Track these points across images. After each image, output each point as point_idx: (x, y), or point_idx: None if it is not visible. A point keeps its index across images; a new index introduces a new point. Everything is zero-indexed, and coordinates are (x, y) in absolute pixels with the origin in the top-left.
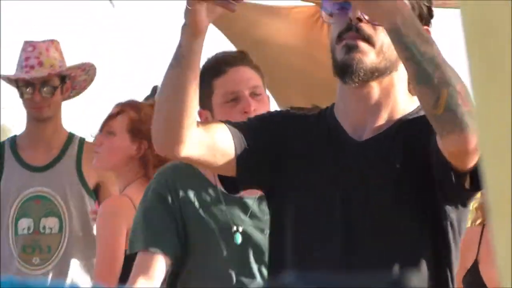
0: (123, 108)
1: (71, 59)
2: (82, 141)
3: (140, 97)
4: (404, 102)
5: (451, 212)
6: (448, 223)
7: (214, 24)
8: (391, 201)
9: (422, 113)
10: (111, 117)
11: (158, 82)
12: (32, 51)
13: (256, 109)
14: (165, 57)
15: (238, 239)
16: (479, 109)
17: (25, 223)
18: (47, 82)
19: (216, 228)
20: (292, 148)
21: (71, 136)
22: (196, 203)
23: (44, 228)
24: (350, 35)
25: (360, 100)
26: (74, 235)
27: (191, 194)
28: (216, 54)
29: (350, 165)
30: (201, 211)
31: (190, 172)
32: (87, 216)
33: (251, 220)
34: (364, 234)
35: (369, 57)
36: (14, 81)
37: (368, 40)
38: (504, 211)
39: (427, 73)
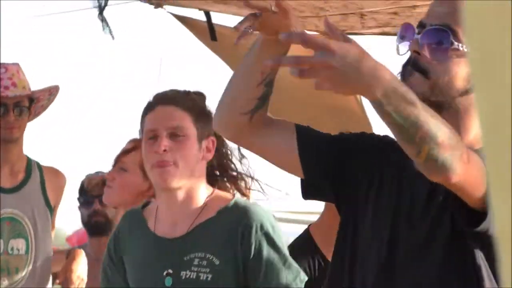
0: (136, 144)
1: (71, 59)
2: (39, 165)
3: (140, 97)
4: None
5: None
6: (475, 253)
7: (213, 51)
8: (431, 234)
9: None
10: (124, 153)
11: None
12: (5, 73)
13: (173, 149)
14: (165, 57)
15: (169, 282)
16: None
17: None
18: (19, 103)
19: (150, 273)
20: (368, 167)
21: (29, 160)
22: (135, 251)
23: (12, 249)
24: (407, 69)
25: None
26: (40, 256)
27: (132, 242)
28: (158, 93)
29: (407, 196)
30: (138, 258)
31: (135, 218)
32: (50, 238)
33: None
34: (403, 263)
35: (421, 87)
36: None
37: (424, 73)
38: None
39: (409, 135)
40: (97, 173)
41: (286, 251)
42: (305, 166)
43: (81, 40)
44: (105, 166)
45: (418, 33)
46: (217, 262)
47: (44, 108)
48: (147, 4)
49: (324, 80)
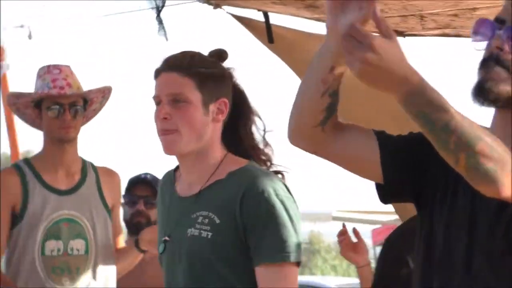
0: None
1: (72, 59)
2: (93, 166)
3: (139, 97)
4: None
5: None
6: None
7: (272, 51)
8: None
9: None
10: None
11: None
12: (59, 73)
13: (173, 115)
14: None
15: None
16: None
17: (53, 245)
18: (74, 103)
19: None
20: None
21: (84, 161)
22: (162, 209)
23: (72, 249)
24: (489, 64)
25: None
26: (100, 256)
27: (162, 202)
28: (165, 57)
29: (483, 200)
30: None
31: (168, 179)
32: (109, 238)
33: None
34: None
35: (504, 82)
36: (33, 103)
37: (508, 68)
38: None
39: (441, 141)
40: (145, 174)
41: (288, 222)
42: (386, 170)
43: (81, 40)
44: (153, 166)
45: (499, 29)
46: (217, 221)
47: (96, 112)
48: (205, 5)
49: (357, 71)
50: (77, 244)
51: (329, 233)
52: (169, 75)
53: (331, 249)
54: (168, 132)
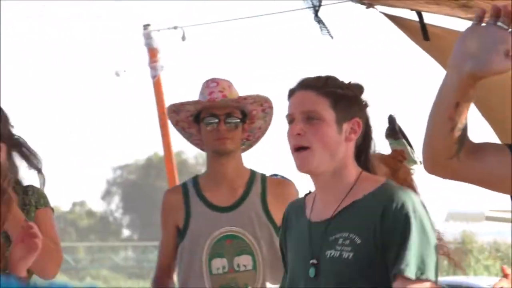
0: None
1: (225, 61)
2: (264, 178)
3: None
4: None
5: None
6: None
7: (425, 50)
8: None
9: None
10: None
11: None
12: (215, 87)
13: (306, 131)
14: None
15: (313, 273)
16: None
17: (219, 263)
18: (230, 114)
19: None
20: None
21: (253, 174)
22: (292, 238)
23: (238, 266)
24: None
25: None
26: (267, 272)
27: (290, 230)
28: (300, 79)
29: None
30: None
31: (297, 206)
32: (278, 253)
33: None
34: None
35: None
36: (192, 117)
37: None
38: None
39: None
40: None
41: (427, 238)
42: None
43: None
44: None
45: None
46: (358, 241)
47: (262, 130)
48: (358, 4)
49: None
50: (244, 260)
51: (482, 233)
52: (304, 93)
53: (484, 249)
54: (301, 148)
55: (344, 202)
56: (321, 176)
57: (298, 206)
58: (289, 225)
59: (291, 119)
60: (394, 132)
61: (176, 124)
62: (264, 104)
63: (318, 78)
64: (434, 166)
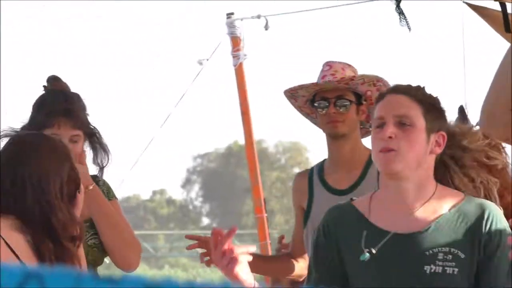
0: None
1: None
2: None
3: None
4: None
5: None
6: None
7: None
8: None
9: None
10: None
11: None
12: (328, 70)
13: (398, 137)
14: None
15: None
16: None
17: None
18: (341, 96)
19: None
20: None
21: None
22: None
23: None
24: None
25: None
26: None
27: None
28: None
29: None
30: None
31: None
32: None
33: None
34: None
35: None
36: (310, 102)
37: None
38: None
39: None
40: None
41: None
42: None
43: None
44: None
45: None
46: (462, 256)
47: None
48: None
49: None
50: None
51: None
52: (397, 97)
53: None
54: (390, 149)
55: (425, 214)
56: (406, 183)
57: (347, 213)
58: (341, 235)
59: (381, 122)
60: (466, 122)
61: (300, 110)
62: (377, 84)
63: (410, 85)
64: (494, 118)
